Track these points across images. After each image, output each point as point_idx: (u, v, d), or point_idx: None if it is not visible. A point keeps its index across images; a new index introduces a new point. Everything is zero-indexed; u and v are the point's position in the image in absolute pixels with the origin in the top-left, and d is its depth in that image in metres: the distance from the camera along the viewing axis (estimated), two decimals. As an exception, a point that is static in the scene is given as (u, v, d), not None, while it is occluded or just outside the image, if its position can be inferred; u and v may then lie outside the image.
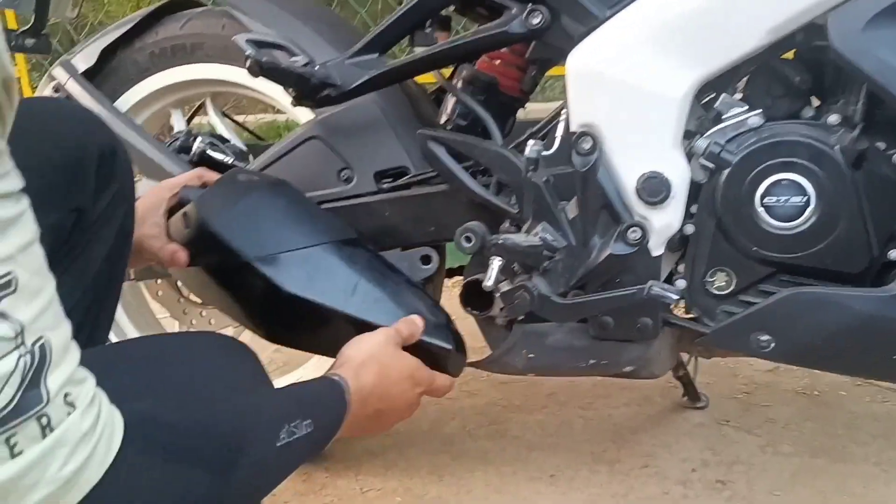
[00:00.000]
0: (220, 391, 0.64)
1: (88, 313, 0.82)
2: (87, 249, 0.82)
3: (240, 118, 2.67)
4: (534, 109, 1.27)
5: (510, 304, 0.93)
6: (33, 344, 0.44)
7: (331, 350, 0.84)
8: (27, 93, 3.16)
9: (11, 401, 0.43)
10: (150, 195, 1.01)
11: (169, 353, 0.68)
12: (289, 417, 0.64)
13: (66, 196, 0.79)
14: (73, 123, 0.82)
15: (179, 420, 0.57)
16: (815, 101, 0.96)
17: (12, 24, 1.99)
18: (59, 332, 0.47)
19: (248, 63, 0.92)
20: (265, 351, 1.66)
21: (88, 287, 0.81)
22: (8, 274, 0.43)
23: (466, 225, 0.98)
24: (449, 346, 0.92)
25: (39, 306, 0.45)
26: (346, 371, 0.77)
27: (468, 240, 0.97)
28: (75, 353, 0.49)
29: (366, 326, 0.89)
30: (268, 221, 0.94)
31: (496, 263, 0.91)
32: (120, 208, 0.85)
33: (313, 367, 1.34)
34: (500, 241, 0.90)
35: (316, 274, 0.92)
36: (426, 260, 1.06)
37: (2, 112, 0.45)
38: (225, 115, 1.38)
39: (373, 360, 0.80)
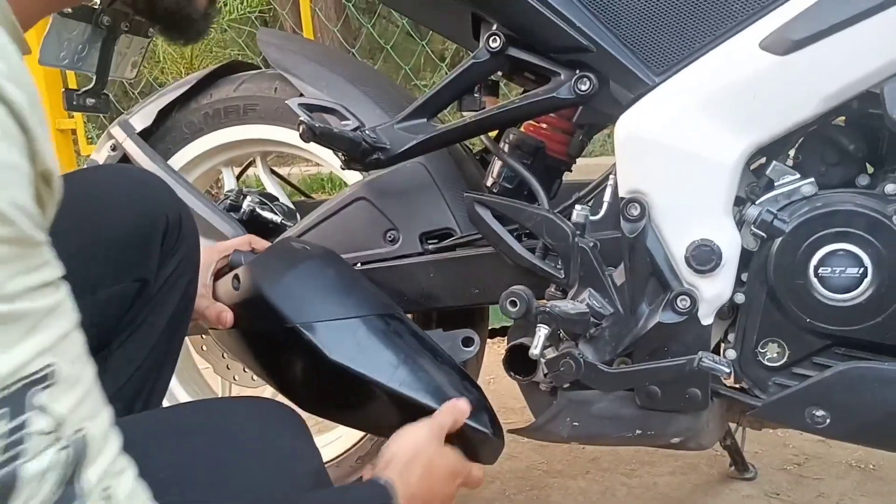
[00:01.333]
0: (264, 482, 0.64)
1: (147, 380, 0.83)
2: (150, 317, 0.83)
3: (286, 170, 2.73)
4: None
5: (555, 371, 0.92)
6: (73, 435, 0.44)
7: (364, 424, 0.83)
8: (83, 145, 3.28)
9: (50, 498, 0.42)
10: (202, 256, 1.03)
11: (215, 429, 0.68)
12: None
13: (132, 267, 0.81)
14: (142, 193, 0.85)
15: None
16: (870, 168, 0.95)
17: (73, 84, 2.07)
18: (99, 421, 0.47)
19: (301, 129, 0.94)
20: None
21: (148, 354, 0.83)
22: (49, 366, 0.43)
23: (512, 289, 0.97)
24: (488, 431, 0.91)
25: (79, 396, 0.45)
26: (392, 472, 0.77)
27: (513, 304, 0.96)
28: (115, 440, 0.48)
29: (406, 403, 0.88)
30: (316, 289, 0.95)
31: (542, 332, 0.90)
32: (184, 276, 0.87)
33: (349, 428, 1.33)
34: (546, 309, 0.89)
35: (362, 345, 0.91)
36: (468, 342, 1.05)
37: (42, 203, 0.45)
38: (273, 171, 1.41)
39: (418, 459, 0.80)
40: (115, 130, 1.29)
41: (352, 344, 0.91)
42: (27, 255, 0.43)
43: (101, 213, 0.79)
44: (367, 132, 1.01)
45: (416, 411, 0.88)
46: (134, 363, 0.81)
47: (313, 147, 1.19)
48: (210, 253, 1.02)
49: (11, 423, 0.41)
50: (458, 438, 0.86)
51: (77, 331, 0.47)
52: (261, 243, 1.06)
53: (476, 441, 0.90)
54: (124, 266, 0.80)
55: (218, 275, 1.01)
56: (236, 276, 0.98)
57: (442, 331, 1.07)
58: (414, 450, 0.81)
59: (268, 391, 1.36)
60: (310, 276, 0.96)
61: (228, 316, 0.97)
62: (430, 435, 0.84)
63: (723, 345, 0.96)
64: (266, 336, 0.97)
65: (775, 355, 0.92)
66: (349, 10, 3.44)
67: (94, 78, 1.31)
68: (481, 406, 0.92)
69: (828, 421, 0.88)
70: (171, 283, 0.85)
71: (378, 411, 0.84)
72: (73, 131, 2.61)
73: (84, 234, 0.76)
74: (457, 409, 0.88)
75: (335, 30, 3.17)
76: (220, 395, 1.39)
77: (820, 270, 0.88)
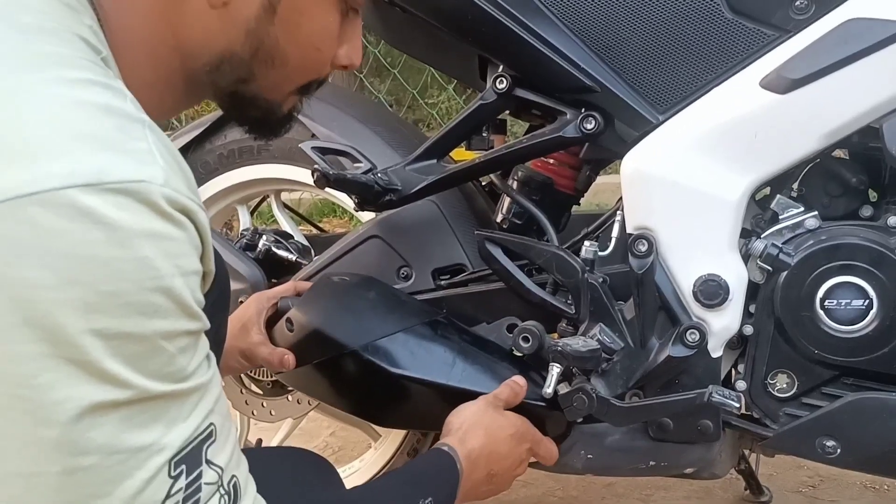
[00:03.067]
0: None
1: None
2: None
3: (298, 194, 2.74)
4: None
5: (568, 406, 0.94)
6: (229, 482, 0.52)
7: (435, 425, 0.92)
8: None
9: None
10: (250, 305, 1.08)
11: (274, 467, 0.72)
12: (412, 499, 0.73)
13: None
14: None
15: None
16: (874, 195, 0.96)
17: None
18: (243, 468, 0.55)
19: (315, 176, 0.97)
20: (320, 436, 1.68)
21: None
22: (211, 425, 0.50)
23: (524, 325, 0.99)
24: (544, 403, 0.96)
25: (231, 447, 0.53)
26: (452, 440, 0.85)
27: (526, 340, 0.98)
28: (252, 483, 0.56)
29: (469, 396, 0.95)
30: (364, 313, 1.02)
31: (555, 371, 0.92)
32: (217, 317, 0.89)
33: (370, 456, 1.35)
34: (558, 348, 0.91)
35: (416, 353, 0.99)
36: (510, 328, 1.08)
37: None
38: (286, 206, 1.43)
39: (477, 425, 0.88)
40: (133, 172, 1.32)
41: (407, 354, 0.99)
42: (201, 338, 0.51)
43: None
44: (378, 174, 1.03)
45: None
46: None
47: (329, 189, 1.22)
48: (259, 301, 1.07)
49: (189, 478, 0.48)
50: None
51: (221, 389, 0.54)
52: (304, 286, 1.10)
53: (536, 416, 0.96)
54: None
55: (268, 323, 1.06)
56: (289, 320, 1.03)
57: (486, 324, 1.10)
58: (472, 417, 0.89)
59: (286, 425, 1.39)
60: (355, 303, 1.03)
61: (291, 358, 1.02)
62: (486, 404, 0.91)
63: (733, 375, 0.98)
64: (328, 365, 1.02)
65: (785, 386, 0.94)
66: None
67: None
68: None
69: (838, 451, 0.90)
70: None
71: (446, 410, 0.92)
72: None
73: None
74: (514, 383, 0.95)
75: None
76: (238, 429, 1.41)
77: (826, 302, 0.89)
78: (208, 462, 0.50)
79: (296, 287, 1.10)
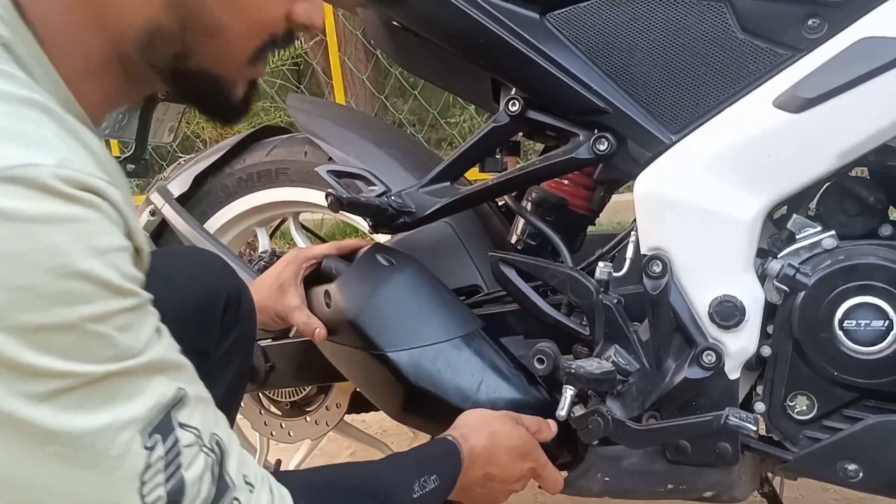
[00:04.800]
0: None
1: None
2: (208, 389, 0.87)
3: (319, 215, 2.77)
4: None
5: (584, 429, 0.93)
6: (210, 440, 0.53)
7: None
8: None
9: (210, 493, 0.52)
10: (289, 265, 1.08)
11: None
12: (420, 473, 0.77)
13: (195, 338, 0.85)
14: (206, 271, 0.91)
15: (333, 482, 0.69)
16: (894, 213, 0.95)
17: (115, 152, 2.15)
18: (223, 424, 0.56)
19: (329, 200, 0.98)
20: (340, 456, 1.68)
21: None
22: (180, 390, 0.52)
23: (538, 346, 0.99)
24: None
25: (204, 409, 0.54)
26: (456, 432, 0.87)
27: (541, 361, 0.98)
28: (236, 437, 0.57)
29: None
30: (402, 316, 1.02)
31: (569, 394, 0.91)
32: (240, 352, 0.91)
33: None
34: (572, 371, 0.90)
35: (443, 370, 0.99)
36: (540, 361, 1.06)
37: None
38: (304, 227, 1.45)
39: (484, 426, 0.89)
40: (154, 196, 1.35)
41: (434, 370, 0.99)
42: (145, 312, 0.51)
43: (166, 289, 0.84)
44: (393, 197, 1.04)
45: None
46: None
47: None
48: (297, 261, 1.07)
49: (166, 444, 0.49)
50: None
51: (182, 356, 0.55)
52: (346, 244, 1.11)
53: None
54: (187, 338, 0.84)
55: (306, 282, 1.07)
56: (328, 293, 1.05)
57: (523, 338, 1.09)
58: (482, 419, 0.90)
59: (305, 446, 1.39)
60: (396, 301, 1.03)
61: (323, 333, 1.03)
62: (503, 415, 0.92)
63: (753, 397, 0.97)
64: (356, 353, 1.04)
65: (804, 408, 0.92)
66: (378, 55, 3.52)
67: (134, 145, 1.37)
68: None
69: (860, 475, 0.88)
70: (229, 356, 0.90)
71: None
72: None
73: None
74: (545, 423, 0.95)
75: (364, 77, 3.25)
76: (258, 451, 1.42)
77: (845, 323, 0.88)
78: (182, 425, 0.51)
79: (338, 248, 1.10)
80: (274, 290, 1.05)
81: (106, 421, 0.47)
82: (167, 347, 0.53)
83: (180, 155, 2.93)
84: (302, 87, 3.74)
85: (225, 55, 0.62)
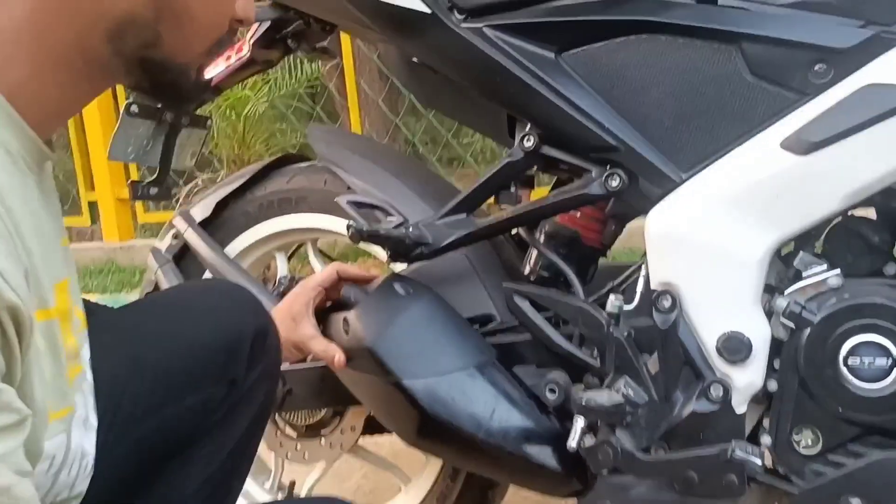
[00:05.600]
0: None
1: (223, 482, 0.90)
2: (233, 419, 0.91)
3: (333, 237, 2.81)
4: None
5: (593, 459, 0.95)
6: None
7: (459, 462, 1.00)
8: (140, 214, 3.43)
9: None
10: (298, 297, 1.12)
11: None
12: None
13: (224, 369, 0.89)
14: (237, 307, 0.95)
15: None
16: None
17: (134, 175, 2.20)
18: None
19: (350, 232, 1.01)
20: (352, 478, 1.71)
21: (228, 455, 0.90)
22: None
23: (550, 376, 1.02)
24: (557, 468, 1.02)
25: None
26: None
27: (552, 391, 1.01)
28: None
29: (498, 450, 1.01)
30: (419, 346, 1.05)
31: (580, 424, 0.94)
32: (265, 383, 0.95)
33: (401, 499, 1.37)
34: (583, 402, 0.93)
35: (458, 400, 1.02)
36: (552, 392, 1.09)
37: (11, 345, 0.51)
38: (321, 252, 1.48)
39: None
40: (177, 221, 1.39)
41: (449, 399, 1.02)
42: None
43: (200, 323, 0.88)
44: (410, 228, 1.07)
45: (506, 457, 1.02)
46: (214, 463, 0.88)
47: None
48: (305, 292, 1.11)
49: None
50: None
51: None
52: (346, 270, 1.14)
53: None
54: (219, 369, 0.88)
55: (318, 308, 1.12)
56: (346, 321, 1.08)
57: (535, 367, 1.11)
58: None
59: (318, 467, 1.42)
60: (412, 330, 1.06)
61: (342, 359, 1.07)
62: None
63: (759, 431, 0.99)
64: (373, 380, 1.07)
65: (810, 442, 0.94)
66: (393, 79, 3.58)
67: (158, 170, 1.41)
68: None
69: (865, 510, 0.90)
70: (255, 387, 0.93)
71: (475, 455, 0.98)
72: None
73: (182, 341, 0.86)
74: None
75: (379, 101, 3.29)
76: (273, 471, 1.45)
77: (849, 360, 0.90)
78: None
79: (338, 272, 1.13)
80: (288, 322, 1.08)
81: None
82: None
83: (197, 173, 2.98)
84: (317, 107, 3.80)
85: (189, 45, 0.65)
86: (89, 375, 0.69)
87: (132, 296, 2.37)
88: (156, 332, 0.86)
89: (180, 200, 2.75)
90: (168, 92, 0.69)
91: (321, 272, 1.16)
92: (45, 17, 0.57)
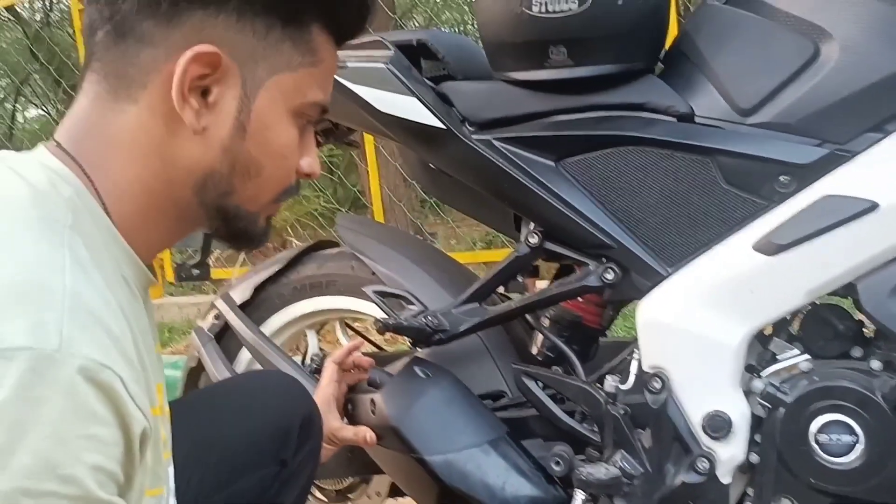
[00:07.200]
0: None
1: None
2: (282, 496, 1.04)
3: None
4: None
5: (593, 527, 1.07)
6: None
7: None
8: (168, 272, 3.58)
9: None
10: (326, 394, 1.24)
11: None
12: None
13: (277, 451, 1.04)
14: (287, 395, 1.10)
15: None
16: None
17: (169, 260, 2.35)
18: None
19: (377, 325, 1.16)
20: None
21: None
22: None
23: (555, 450, 1.14)
24: None
25: None
26: None
27: (557, 463, 1.13)
28: None
29: None
30: (439, 423, 1.18)
31: (579, 498, 1.06)
32: (310, 463, 1.09)
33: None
34: (583, 477, 1.05)
35: (474, 471, 1.14)
36: (557, 463, 1.19)
37: (134, 461, 0.60)
38: (349, 326, 1.62)
39: None
40: (219, 303, 1.53)
41: (465, 471, 1.15)
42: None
43: (256, 410, 1.03)
44: (429, 317, 1.21)
45: None
46: None
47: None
48: (324, 400, 1.22)
49: None
50: None
51: None
52: (343, 360, 1.27)
53: None
54: (273, 451, 1.02)
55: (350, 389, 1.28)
56: (373, 402, 1.21)
57: (542, 441, 1.24)
58: None
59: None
60: (432, 411, 1.19)
61: (372, 437, 1.20)
62: None
63: (745, 499, 1.10)
64: (397, 454, 1.20)
65: (789, 510, 1.05)
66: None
67: (200, 253, 1.56)
68: None
69: (841, 575, 1.00)
70: (302, 465, 1.07)
71: None
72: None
73: (241, 427, 1.01)
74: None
75: (397, 164, 3.43)
76: None
77: (818, 437, 1.02)
78: None
79: (337, 366, 1.26)
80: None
81: None
82: None
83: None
84: (337, 172, 3.97)
85: (259, 194, 0.75)
86: (171, 461, 0.82)
87: (162, 350, 2.52)
88: (219, 420, 1.00)
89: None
90: (241, 238, 0.78)
91: (323, 377, 1.27)
92: (151, 176, 0.70)
